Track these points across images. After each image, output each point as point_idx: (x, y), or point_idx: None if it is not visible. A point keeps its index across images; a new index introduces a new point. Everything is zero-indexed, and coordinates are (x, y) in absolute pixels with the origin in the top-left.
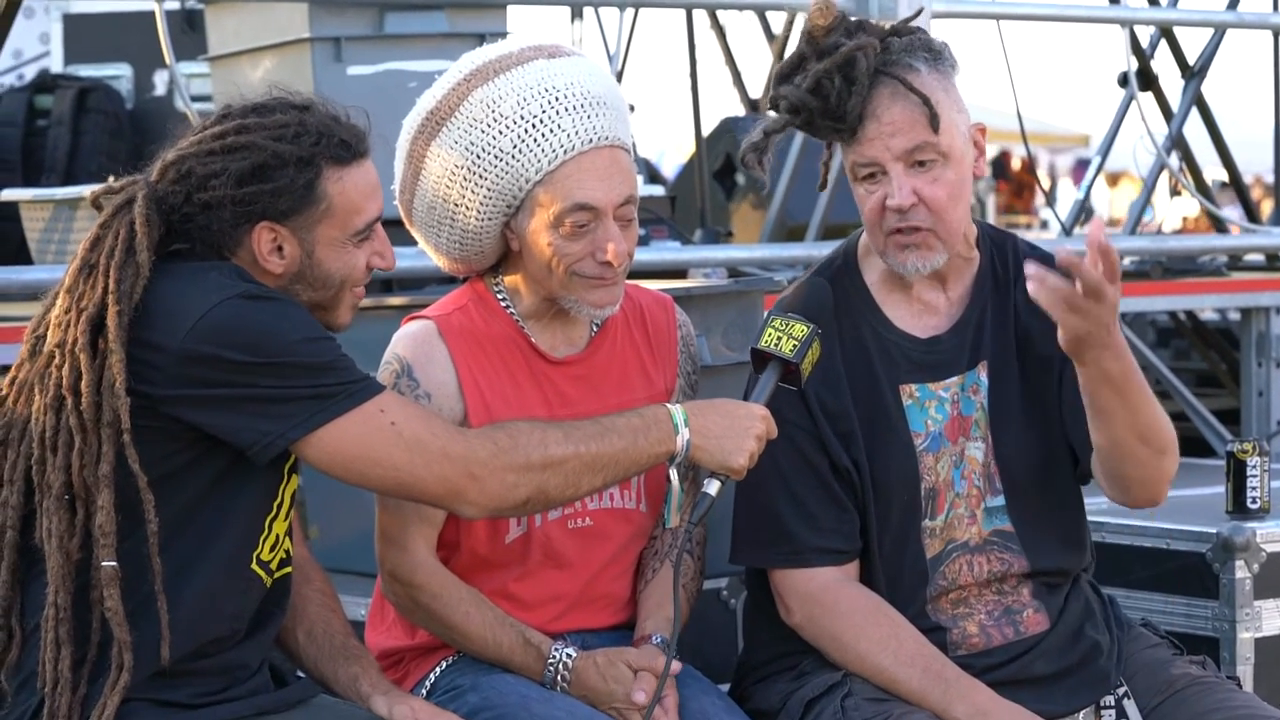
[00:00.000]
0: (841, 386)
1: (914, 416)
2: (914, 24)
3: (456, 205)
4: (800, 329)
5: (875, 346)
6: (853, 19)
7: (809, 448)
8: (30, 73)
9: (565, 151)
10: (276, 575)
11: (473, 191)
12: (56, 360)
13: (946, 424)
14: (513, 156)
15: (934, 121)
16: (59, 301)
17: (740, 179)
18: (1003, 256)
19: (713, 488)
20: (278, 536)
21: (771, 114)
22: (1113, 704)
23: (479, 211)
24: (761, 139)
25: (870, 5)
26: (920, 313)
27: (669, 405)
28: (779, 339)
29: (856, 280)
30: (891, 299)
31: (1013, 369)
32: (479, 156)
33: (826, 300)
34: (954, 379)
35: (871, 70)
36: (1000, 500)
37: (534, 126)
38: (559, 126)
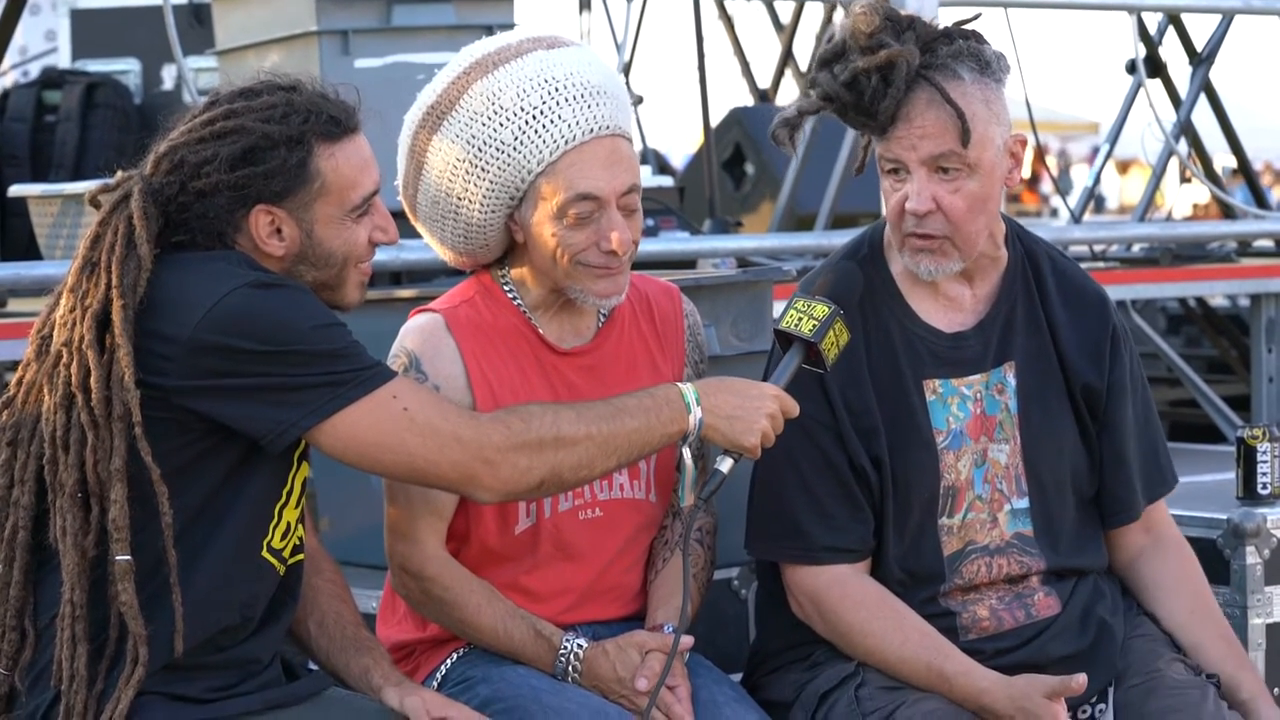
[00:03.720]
0: (865, 381)
1: (936, 413)
2: (970, 27)
3: (460, 199)
4: (821, 309)
5: (900, 339)
6: (904, 15)
7: (828, 444)
8: (35, 70)
9: (566, 142)
10: (290, 563)
11: (475, 184)
12: (64, 359)
13: (969, 422)
14: (514, 148)
15: (965, 136)
16: (63, 301)
17: (749, 169)
18: (1034, 260)
19: (725, 465)
20: (289, 524)
21: (810, 94)
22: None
23: (482, 204)
24: (795, 116)
25: None
26: (945, 308)
27: (680, 385)
28: (800, 319)
29: (882, 271)
30: (916, 292)
31: (1045, 373)
32: (480, 149)
33: (856, 285)
34: (978, 376)
35: (911, 75)
36: (1025, 503)
37: (534, 118)
38: (559, 117)
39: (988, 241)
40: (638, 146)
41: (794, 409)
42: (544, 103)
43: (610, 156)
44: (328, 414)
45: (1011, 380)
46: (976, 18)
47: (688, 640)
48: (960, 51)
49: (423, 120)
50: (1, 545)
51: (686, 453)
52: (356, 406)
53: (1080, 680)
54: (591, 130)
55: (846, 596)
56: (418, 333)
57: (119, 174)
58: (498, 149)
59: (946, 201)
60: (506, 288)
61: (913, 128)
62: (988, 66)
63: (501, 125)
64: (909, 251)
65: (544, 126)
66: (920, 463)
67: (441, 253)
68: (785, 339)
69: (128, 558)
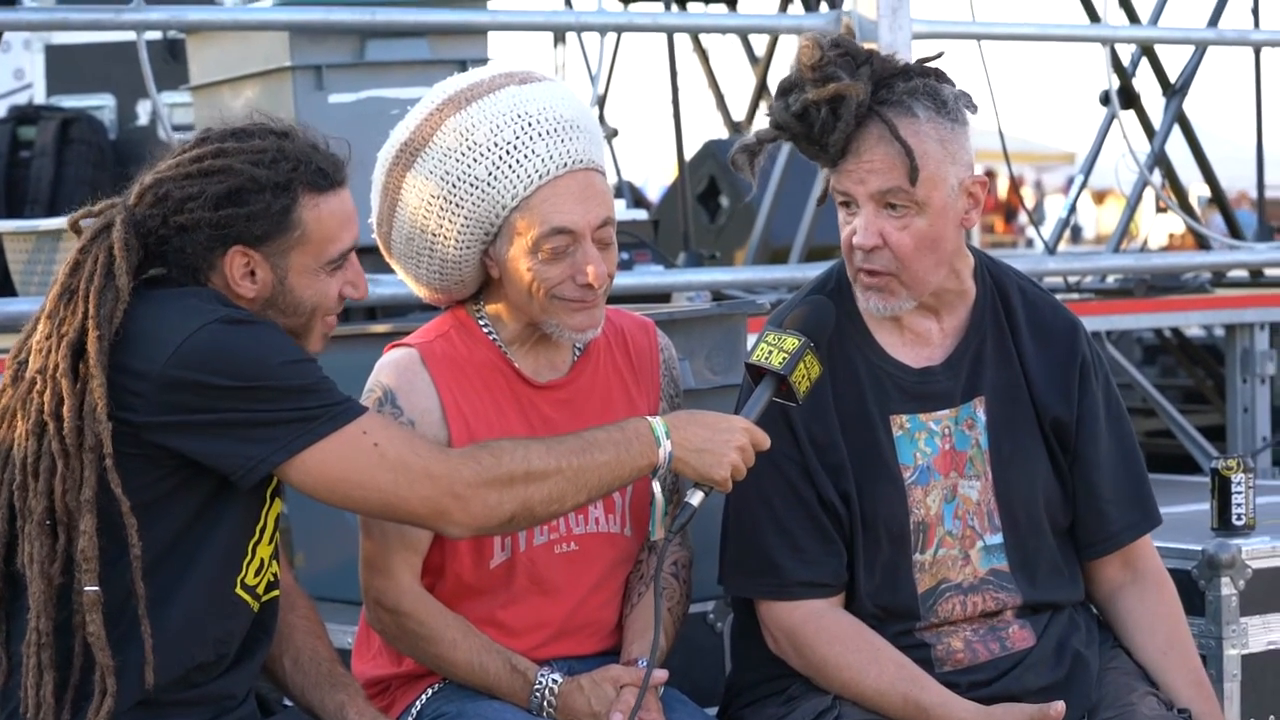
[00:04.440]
0: (830, 417)
1: (903, 448)
2: (933, 64)
3: (434, 235)
4: (792, 342)
5: (866, 374)
6: (862, 49)
7: (797, 479)
8: (2, 109)
9: (540, 177)
10: (264, 599)
11: (450, 221)
12: (38, 386)
13: (936, 457)
14: (488, 184)
15: (913, 174)
16: (40, 327)
17: (724, 202)
18: (1004, 293)
19: (695, 499)
20: (262, 560)
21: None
22: None
23: (457, 241)
24: (754, 144)
25: (853, 23)
26: (913, 343)
27: (650, 418)
28: (770, 352)
29: (849, 305)
30: (884, 326)
31: (1016, 407)
32: (455, 186)
33: (828, 319)
34: (946, 412)
35: (863, 109)
36: (999, 538)
37: (508, 153)
38: (533, 152)
39: (950, 277)
40: (612, 180)
41: (765, 442)
42: (517, 138)
43: (584, 190)
44: (297, 450)
45: (982, 415)
46: (939, 56)
47: (661, 674)
48: (917, 89)
49: (396, 157)
50: None
51: (657, 486)
52: (326, 442)
53: (1059, 708)
54: (565, 165)
55: (822, 630)
56: (393, 367)
57: (102, 202)
58: (471, 185)
59: (894, 238)
60: (482, 322)
61: (861, 162)
62: (944, 106)
63: (475, 161)
64: (859, 288)
65: (517, 161)
66: (887, 497)
67: (416, 289)
68: (756, 372)
69: (96, 589)
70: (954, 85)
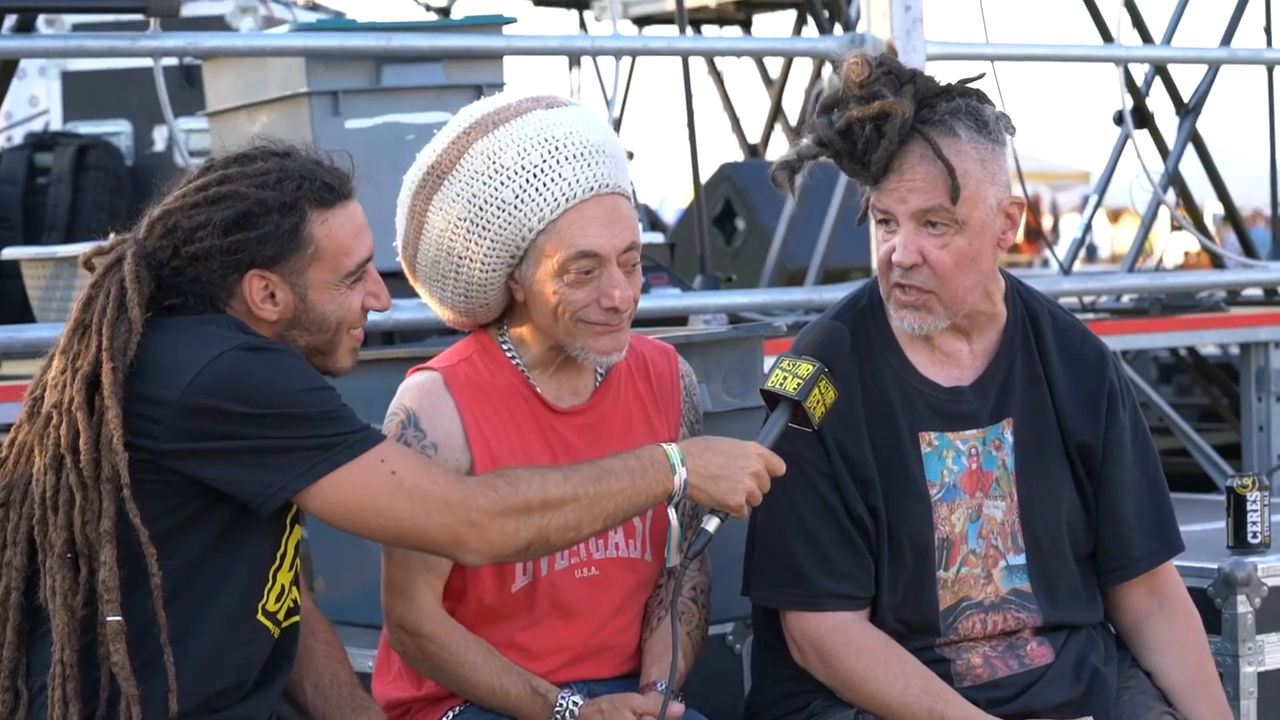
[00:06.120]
0: (860, 432)
1: (931, 465)
2: (975, 85)
3: (461, 258)
4: (806, 368)
5: (896, 391)
6: (906, 69)
7: (827, 491)
8: (19, 135)
9: (567, 200)
10: (284, 625)
11: (476, 243)
12: (55, 420)
13: (963, 476)
14: (515, 207)
15: (954, 193)
16: (55, 363)
17: (740, 224)
18: (1034, 317)
19: (711, 525)
20: (283, 587)
21: (807, 139)
22: None
23: (483, 263)
24: (795, 160)
25: (865, 46)
26: (943, 363)
27: (665, 445)
28: (784, 378)
29: (881, 323)
30: (915, 345)
31: (1043, 431)
32: (481, 208)
33: (841, 344)
34: (974, 432)
35: (906, 128)
36: (1021, 559)
37: (535, 176)
38: (560, 175)
39: (983, 299)
40: None
41: (780, 468)
42: (544, 161)
43: (610, 214)
44: (315, 477)
45: (1009, 437)
46: (980, 77)
47: (678, 708)
48: (959, 109)
49: (423, 180)
50: None
51: (673, 513)
52: (344, 470)
53: None
54: (591, 188)
55: (850, 643)
56: (416, 390)
57: (113, 237)
58: (499, 208)
59: (933, 256)
60: (505, 346)
61: (903, 180)
62: (986, 126)
63: (502, 184)
64: (894, 305)
65: (545, 185)
66: (913, 513)
67: (441, 313)
68: (771, 398)
69: (118, 619)
70: (994, 106)
